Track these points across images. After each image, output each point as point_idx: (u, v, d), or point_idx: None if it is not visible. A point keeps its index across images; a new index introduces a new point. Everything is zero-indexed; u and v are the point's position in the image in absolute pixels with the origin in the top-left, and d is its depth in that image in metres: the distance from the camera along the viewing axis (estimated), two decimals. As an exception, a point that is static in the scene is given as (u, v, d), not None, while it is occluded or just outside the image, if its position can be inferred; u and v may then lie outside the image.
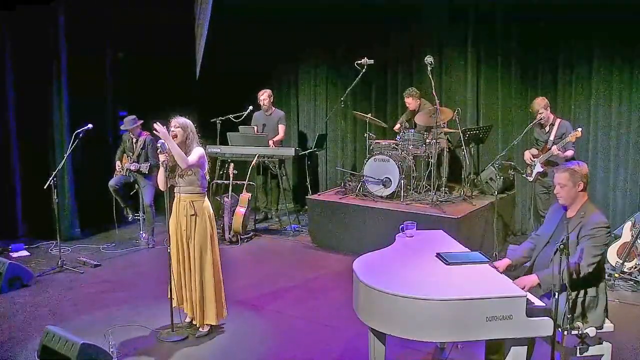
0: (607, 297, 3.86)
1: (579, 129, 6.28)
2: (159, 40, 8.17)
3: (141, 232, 7.63)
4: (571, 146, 6.38)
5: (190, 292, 4.91)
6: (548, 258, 3.87)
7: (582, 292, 3.76)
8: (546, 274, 3.77)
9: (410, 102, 7.66)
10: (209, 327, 4.97)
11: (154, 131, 4.72)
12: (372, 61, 7.70)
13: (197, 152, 4.79)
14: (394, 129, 7.89)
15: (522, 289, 3.63)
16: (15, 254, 7.00)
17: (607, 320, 3.87)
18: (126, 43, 8.22)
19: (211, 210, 4.95)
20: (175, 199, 4.88)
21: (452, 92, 8.03)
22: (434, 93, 7.07)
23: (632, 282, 5.97)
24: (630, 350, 4.64)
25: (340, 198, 7.44)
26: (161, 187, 4.86)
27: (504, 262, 4.07)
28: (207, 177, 4.97)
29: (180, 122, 4.81)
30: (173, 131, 4.78)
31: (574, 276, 3.48)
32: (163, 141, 4.72)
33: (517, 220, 7.75)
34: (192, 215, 4.80)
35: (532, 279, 3.79)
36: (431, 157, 7.12)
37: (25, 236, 7.55)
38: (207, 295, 4.88)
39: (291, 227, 8.07)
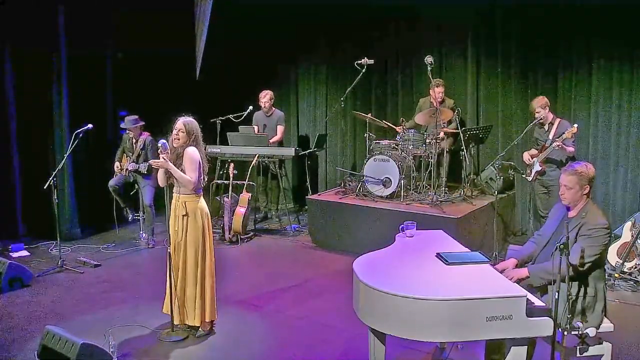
0: (606, 298, 3.87)
1: (575, 125, 6.29)
2: (159, 40, 8.16)
3: (141, 232, 7.63)
4: (571, 143, 6.37)
5: (181, 292, 4.88)
6: (548, 256, 3.89)
7: (581, 291, 3.77)
8: (538, 268, 3.84)
9: (442, 92, 7.43)
10: (209, 327, 4.96)
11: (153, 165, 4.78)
12: (372, 61, 7.69)
13: (192, 159, 4.72)
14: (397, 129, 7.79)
15: (511, 279, 3.73)
16: (15, 254, 6.99)
17: (607, 320, 3.88)
18: (126, 43, 8.22)
19: (206, 210, 4.91)
20: (173, 198, 4.88)
21: (452, 92, 8.02)
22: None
23: (632, 282, 5.97)
24: (630, 350, 4.64)
25: (340, 198, 7.44)
26: (160, 183, 4.87)
27: (512, 262, 4.06)
28: (204, 178, 4.90)
29: (188, 128, 4.76)
30: (176, 135, 4.76)
31: (570, 274, 3.49)
32: (164, 141, 4.72)
33: (517, 220, 7.75)
34: (184, 215, 4.79)
35: (522, 272, 3.83)
36: (431, 157, 7.12)
37: (25, 236, 7.54)
38: (199, 294, 4.85)
39: (291, 227, 8.07)
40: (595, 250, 3.71)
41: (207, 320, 4.95)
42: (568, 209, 3.96)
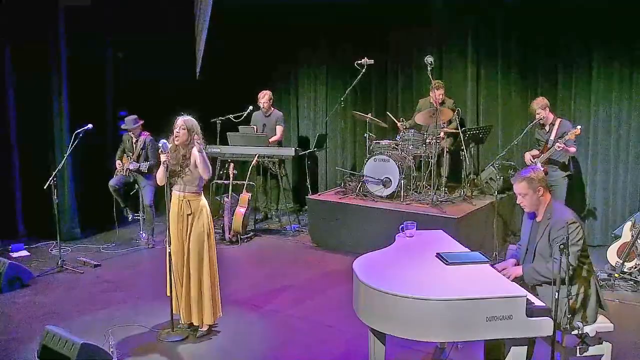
0: (597, 290, 3.89)
1: (579, 127, 6.28)
2: (159, 40, 8.16)
3: (141, 232, 7.63)
4: (572, 143, 6.37)
5: (186, 291, 4.89)
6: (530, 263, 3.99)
7: (573, 289, 3.77)
8: (529, 268, 3.90)
9: (442, 94, 7.43)
10: (208, 327, 4.96)
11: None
12: (372, 61, 7.69)
13: (199, 156, 4.75)
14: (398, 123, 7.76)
15: (508, 277, 3.83)
16: (15, 254, 6.99)
17: (607, 320, 3.88)
18: (126, 43, 8.22)
19: (208, 209, 4.94)
20: (173, 197, 4.88)
21: (452, 92, 8.02)
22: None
23: (632, 282, 5.97)
24: (630, 350, 4.64)
25: (340, 198, 7.44)
26: (160, 182, 4.89)
27: (512, 262, 4.13)
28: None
29: (188, 125, 4.80)
30: (177, 132, 4.78)
31: (568, 275, 3.51)
32: (165, 141, 4.74)
33: (517, 220, 7.71)
34: (189, 214, 4.81)
35: (518, 271, 3.92)
36: (431, 157, 7.13)
37: (25, 236, 7.54)
38: (205, 294, 4.87)
39: (291, 227, 8.07)
40: (574, 248, 3.73)
41: (212, 319, 4.95)
42: (534, 215, 4.04)
